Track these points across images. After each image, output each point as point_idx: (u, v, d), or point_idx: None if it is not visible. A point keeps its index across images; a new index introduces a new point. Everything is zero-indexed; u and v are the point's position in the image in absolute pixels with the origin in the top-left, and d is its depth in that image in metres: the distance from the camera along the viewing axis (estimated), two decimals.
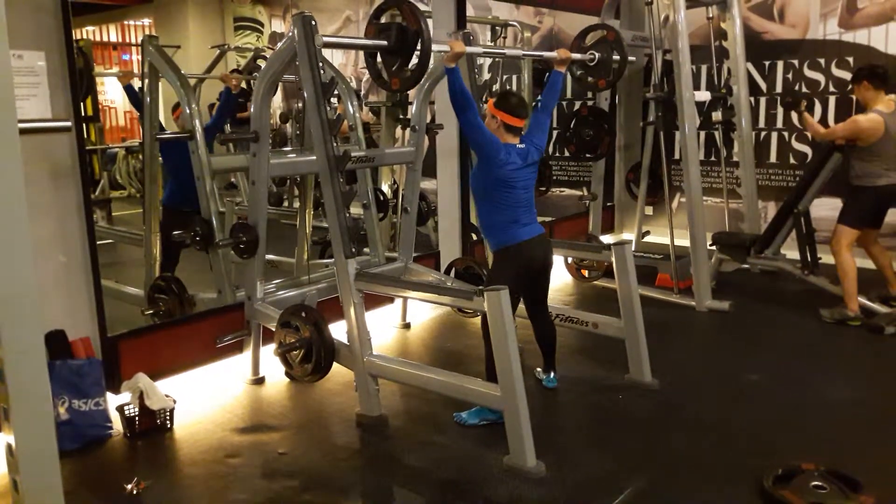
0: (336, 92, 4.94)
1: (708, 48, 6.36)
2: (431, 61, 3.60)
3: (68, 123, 3.30)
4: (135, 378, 3.56)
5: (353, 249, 3.59)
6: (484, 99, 7.25)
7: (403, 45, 3.22)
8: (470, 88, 4.48)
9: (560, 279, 6.14)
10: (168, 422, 3.61)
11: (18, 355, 2.29)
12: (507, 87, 7.51)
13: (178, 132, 4.41)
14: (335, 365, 3.64)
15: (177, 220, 4.53)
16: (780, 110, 6.58)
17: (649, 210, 7.19)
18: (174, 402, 3.63)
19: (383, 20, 3.46)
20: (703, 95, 5.96)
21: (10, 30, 2.21)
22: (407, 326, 5.15)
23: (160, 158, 4.70)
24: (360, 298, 3.58)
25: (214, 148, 4.85)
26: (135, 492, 3.03)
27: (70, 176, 3.42)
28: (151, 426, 3.55)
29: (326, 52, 6.72)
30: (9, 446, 2.36)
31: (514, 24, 6.99)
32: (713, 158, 6.93)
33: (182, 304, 4.26)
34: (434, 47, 3.35)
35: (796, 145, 6.56)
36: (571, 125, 6.55)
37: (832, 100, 6.31)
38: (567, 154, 6.95)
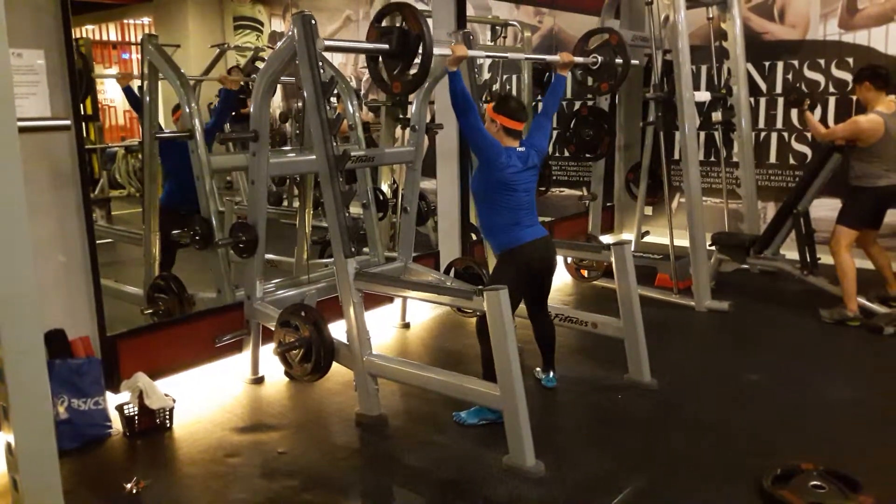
0: (336, 91, 4.95)
1: (708, 48, 6.36)
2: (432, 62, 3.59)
3: (68, 122, 3.30)
4: (134, 377, 3.56)
5: (353, 249, 3.59)
6: (484, 99, 7.27)
7: (405, 49, 3.23)
8: (470, 88, 4.48)
9: (560, 279, 6.11)
10: (167, 421, 3.61)
11: (18, 354, 2.29)
12: (507, 87, 7.51)
13: (177, 125, 4.40)
14: (335, 364, 3.64)
15: (174, 221, 4.53)
16: (780, 110, 6.58)
17: (649, 210, 7.19)
18: (173, 401, 3.63)
19: (385, 23, 3.46)
20: (703, 96, 5.96)
21: (10, 28, 2.22)
22: (406, 326, 5.15)
23: (159, 158, 4.70)
24: (359, 298, 3.58)
25: (214, 147, 4.85)
26: (134, 491, 3.03)
27: (69, 175, 3.42)
28: (151, 425, 3.55)
29: (326, 52, 6.70)
30: (8, 445, 2.36)
31: (515, 23, 6.99)
32: (713, 159, 6.94)
33: (181, 304, 4.25)
34: (436, 51, 3.35)
35: (796, 146, 6.57)
36: (571, 125, 6.55)
37: (832, 100, 6.32)
38: (567, 154, 6.95)
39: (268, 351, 3.99)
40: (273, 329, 3.79)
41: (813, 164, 5.49)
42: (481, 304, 3.14)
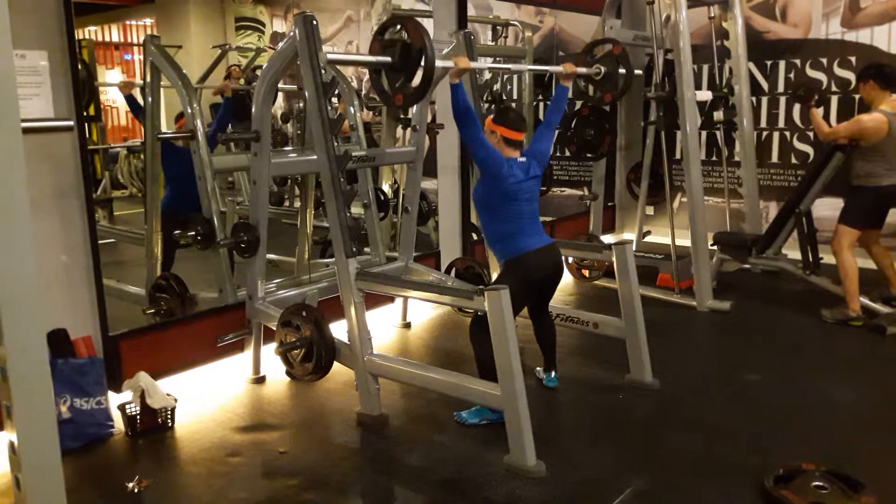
0: (337, 91, 4.95)
1: (709, 48, 6.36)
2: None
3: (70, 123, 3.31)
4: (136, 377, 3.57)
5: (354, 249, 3.60)
6: (485, 98, 7.27)
7: (407, 63, 3.25)
8: (471, 88, 4.51)
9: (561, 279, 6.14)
10: (169, 420, 3.61)
11: (21, 354, 2.29)
12: (509, 87, 7.51)
13: (180, 131, 4.41)
14: (336, 364, 3.64)
15: (175, 227, 4.57)
16: (782, 110, 6.57)
17: (650, 210, 7.19)
18: (175, 400, 3.64)
19: (388, 36, 3.47)
20: (705, 95, 5.96)
21: (13, 29, 2.22)
22: (407, 326, 5.16)
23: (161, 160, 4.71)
24: (360, 298, 3.58)
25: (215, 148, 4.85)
26: (136, 490, 3.04)
27: (72, 175, 3.43)
28: (153, 425, 3.56)
29: (328, 52, 6.68)
30: (11, 444, 2.37)
31: (516, 23, 6.99)
32: (714, 158, 6.93)
33: (183, 304, 4.26)
34: (438, 63, 3.36)
35: (798, 145, 6.56)
36: (572, 125, 6.55)
37: (834, 99, 6.31)
38: (568, 154, 6.95)
39: (269, 351, 3.99)
40: (274, 329, 3.80)
41: (815, 164, 5.48)
42: (482, 303, 3.15)
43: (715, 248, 5.85)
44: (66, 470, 2.47)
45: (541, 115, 7.60)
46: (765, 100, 6.66)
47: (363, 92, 7.49)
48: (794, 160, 6.59)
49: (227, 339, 4.08)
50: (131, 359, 3.69)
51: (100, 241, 3.61)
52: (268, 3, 7.96)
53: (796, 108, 6.50)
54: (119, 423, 3.57)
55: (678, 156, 6.47)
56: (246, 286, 4.13)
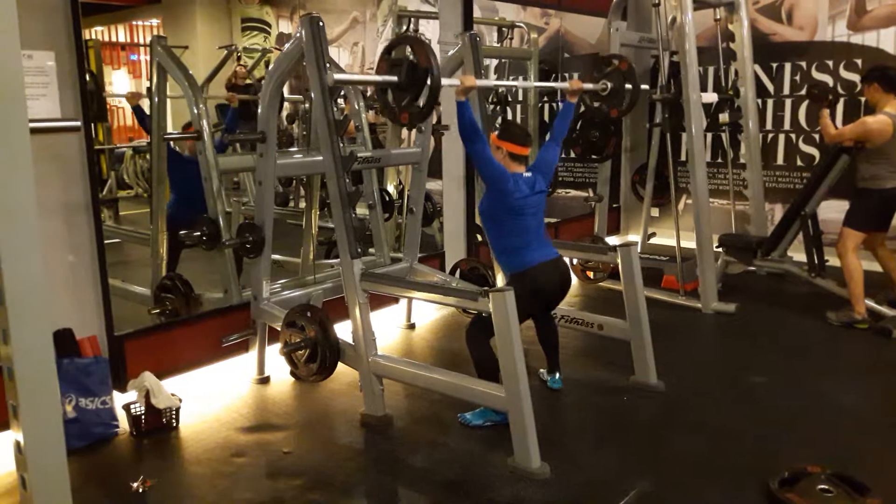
0: (342, 92, 4.96)
1: (715, 50, 6.35)
2: (438, 57, 3.60)
3: (77, 123, 3.32)
4: (141, 377, 3.57)
5: (359, 250, 3.60)
6: (491, 100, 7.26)
7: (414, 82, 3.28)
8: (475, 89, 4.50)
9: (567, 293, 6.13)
10: (174, 420, 3.62)
11: (27, 353, 2.30)
12: (514, 88, 7.50)
13: (187, 133, 4.44)
14: (340, 365, 3.65)
15: (176, 234, 4.61)
16: (787, 112, 6.56)
17: (655, 212, 7.18)
18: (180, 400, 3.65)
19: (395, 55, 3.48)
20: (710, 97, 5.95)
21: (21, 30, 2.23)
22: (412, 327, 5.16)
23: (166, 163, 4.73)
24: (365, 299, 3.59)
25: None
26: (141, 490, 3.05)
27: (79, 175, 3.44)
28: (157, 425, 3.57)
29: (333, 53, 6.74)
30: (17, 443, 2.37)
31: (521, 25, 6.99)
32: (720, 160, 6.92)
33: (188, 304, 4.27)
34: (445, 82, 3.38)
35: (803, 147, 6.55)
36: (578, 126, 6.55)
37: (840, 102, 6.28)
38: (573, 155, 6.94)
39: (274, 351, 4.00)
40: (279, 329, 3.81)
41: (821, 166, 5.47)
42: (487, 305, 3.15)
43: (720, 250, 5.84)
44: (71, 469, 2.48)
45: (545, 117, 7.60)
46: (770, 102, 6.65)
47: (368, 93, 7.50)
48: (799, 162, 6.58)
49: (232, 339, 4.08)
50: (136, 359, 3.70)
51: (105, 241, 3.62)
52: (274, 4, 7.97)
53: (802, 110, 6.49)
54: (124, 423, 3.57)
55: (683, 158, 6.47)
56: (251, 287, 4.14)
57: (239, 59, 6.38)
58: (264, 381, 4.19)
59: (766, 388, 4.03)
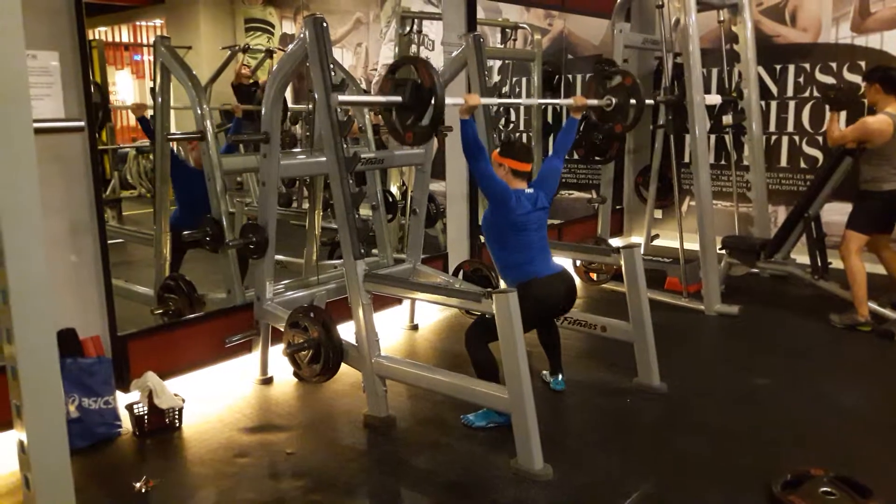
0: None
1: (719, 51, 6.34)
2: (442, 58, 3.60)
3: (81, 123, 3.31)
4: (144, 377, 3.58)
5: (362, 251, 3.60)
6: None
7: (418, 102, 3.30)
8: (480, 90, 4.51)
9: (567, 269, 6.12)
10: (177, 421, 3.62)
11: (31, 353, 2.30)
12: (517, 89, 7.51)
13: (194, 154, 4.45)
14: (343, 366, 3.65)
15: (182, 245, 4.63)
16: (791, 114, 6.55)
17: (658, 213, 7.18)
18: (183, 401, 3.65)
19: (399, 75, 3.49)
20: (714, 99, 5.95)
21: (25, 30, 2.23)
22: (415, 328, 5.16)
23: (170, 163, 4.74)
24: (368, 299, 3.59)
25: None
26: (143, 490, 3.05)
27: (82, 175, 3.45)
28: (160, 425, 3.57)
29: (337, 54, 6.74)
30: (20, 443, 2.37)
31: (525, 26, 6.99)
32: (723, 162, 6.91)
33: (191, 304, 4.27)
34: (448, 101, 3.39)
35: (807, 149, 6.54)
36: (581, 128, 6.55)
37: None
38: (576, 157, 6.94)
39: (277, 352, 4.00)
40: (282, 330, 3.81)
41: (824, 168, 5.46)
42: (490, 306, 3.15)
43: (723, 252, 5.84)
44: (74, 469, 2.47)
45: (549, 118, 7.60)
46: (774, 104, 6.64)
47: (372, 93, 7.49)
48: (802, 164, 6.57)
49: (235, 339, 4.08)
50: (139, 359, 3.70)
51: (109, 241, 3.63)
52: (277, 5, 7.98)
53: (805, 112, 6.48)
54: (127, 423, 3.58)
55: (687, 159, 6.45)
56: (254, 287, 4.14)
57: (246, 50, 6.38)
58: (267, 381, 4.19)
59: (768, 391, 4.02)
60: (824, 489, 2.85)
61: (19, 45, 2.22)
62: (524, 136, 7.50)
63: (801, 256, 5.49)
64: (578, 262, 6.18)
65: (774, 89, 6.63)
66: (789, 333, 4.98)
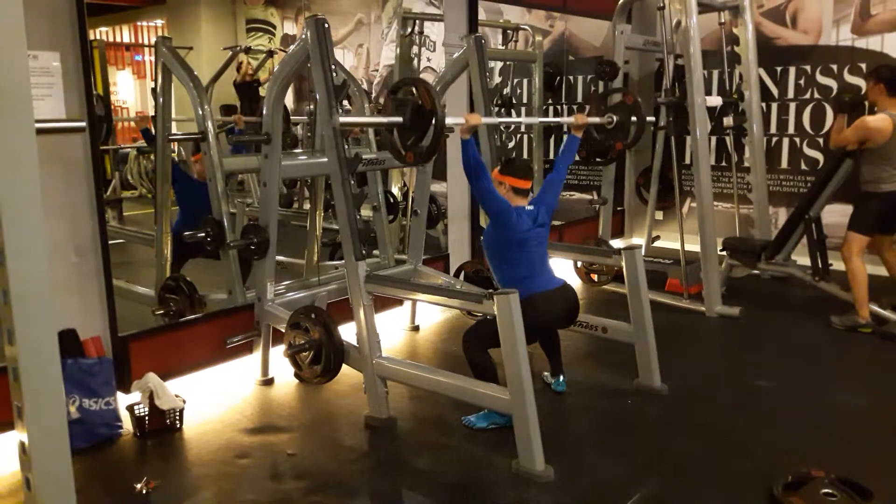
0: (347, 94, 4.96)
1: (720, 53, 6.34)
2: (443, 59, 3.60)
3: (83, 124, 3.31)
4: (145, 378, 3.57)
5: (363, 251, 3.60)
6: (496, 102, 7.26)
7: (418, 123, 3.32)
8: (481, 92, 4.51)
9: (570, 283, 6.12)
10: (178, 422, 3.62)
11: (32, 354, 2.30)
12: (518, 91, 7.51)
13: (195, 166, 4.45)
14: (344, 367, 3.65)
15: (184, 251, 4.66)
16: (791, 115, 6.55)
17: (659, 215, 7.18)
18: (184, 402, 3.64)
19: (400, 95, 3.50)
20: (715, 100, 5.94)
21: (27, 30, 2.23)
22: (416, 329, 5.16)
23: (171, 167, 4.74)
24: (369, 300, 3.59)
25: (222, 148, 4.87)
26: (144, 491, 3.05)
27: (83, 176, 3.45)
28: (161, 426, 3.57)
29: (338, 55, 6.74)
30: (21, 444, 2.37)
31: (526, 27, 6.99)
32: (724, 164, 6.91)
33: (192, 305, 4.27)
34: (449, 120, 3.40)
35: (808, 151, 6.53)
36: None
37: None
38: (578, 158, 6.94)
39: (278, 353, 4.00)
40: (283, 331, 3.81)
41: (825, 170, 5.46)
42: (491, 307, 3.15)
43: (724, 253, 5.84)
44: (75, 470, 2.48)
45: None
46: (775, 106, 6.63)
47: (373, 95, 7.50)
48: (803, 166, 6.56)
49: (236, 340, 4.08)
50: (140, 359, 3.70)
51: (109, 242, 3.63)
52: (279, 6, 7.98)
53: (806, 113, 6.48)
54: (128, 424, 3.57)
55: (688, 161, 6.45)
56: (255, 288, 4.14)
57: (248, 51, 6.38)
58: (268, 382, 4.19)
59: (769, 392, 4.02)
60: (825, 491, 2.85)
61: (21, 45, 2.22)
62: (525, 137, 7.50)
63: (801, 258, 5.49)
64: (579, 264, 6.18)
65: (775, 91, 6.63)
66: (790, 335, 4.98)
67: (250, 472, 3.23)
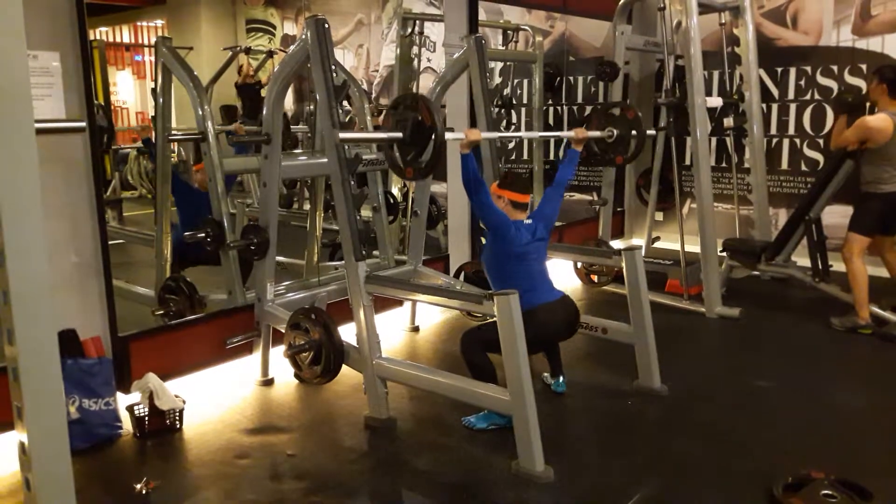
0: (347, 94, 4.96)
1: (720, 54, 6.34)
2: (443, 59, 3.60)
3: (82, 124, 3.31)
4: (145, 378, 3.57)
5: (363, 252, 3.60)
6: (496, 103, 7.26)
7: (418, 139, 3.33)
8: (481, 93, 4.51)
9: (569, 284, 6.13)
10: (177, 422, 3.62)
11: (32, 353, 2.30)
12: (518, 91, 7.51)
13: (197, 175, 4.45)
14: (344, 367, 3.65)
15: (184, 259, 4.66)
16: (792, 116, 6.55)
17: (659, 216, 7.18)
18: (184, 402, 3.64)
19: (401, 111, 3.51)
20: (715, 101, 5.94)
21: (27, 30, 2.23)
22: (416, 329, 5.16)
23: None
24: (369, 301, 3.59)
25: (223, 149, 4.88)
26: (144, 491, 3.04)
27: (83, 176, 3.44)
28: (161, 426, 3.56)
29: (339, 55, 6.74)
30: (21, 444, 2.37)
31: (526, 28, 6.99)
32: (724, 165, 6.91)
33: (192, 305, 4.27)
34: (448, 136, 3.41)
35: (808, 152, 6.53)
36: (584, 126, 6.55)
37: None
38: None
39: (278, 353, 4.00)
40: (283, 331, 3.80)
41: (826, 171, 5.46)
42: (491, 308, 3.15)
43: (724, 254, 5.84)
44: (74, 470, 2.47)
45: (551, 120, 7.60)
46: (775, 106, 6.63)
47: (373, 95, 7.51)
48: (803, 167, 6.56)
49: (236, 341, 4.08)
50: (140, 360, 3.70)
51: (109, 242, 3.63)
52: (279, 6, 7.99)
53: (806, 114, 6.48)
54: (127, 424, 3.57)
55: (688, 162, 6.45)
56: (255, 288, 4.14)
57: (248, 51, 6.38)
58: (268, 383, 4.19)
59: (769, 393, 4.02)
60: (825, 492, 2.85)
61: (21, 45, 2.22)
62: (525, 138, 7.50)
63: (801, 259, 5.49)
64: (579, 264, 6.18)
65: (776, 92, 6.63)
66: (790, 336, 4.97)
67: (250, 473, 3.22)
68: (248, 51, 6.88)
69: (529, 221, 3.73)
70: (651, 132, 4.46)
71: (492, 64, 7.38)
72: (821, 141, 6.39)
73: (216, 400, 3.96)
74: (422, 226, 4.82)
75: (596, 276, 6.12)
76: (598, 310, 5.36)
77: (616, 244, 6.77)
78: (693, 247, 5.61)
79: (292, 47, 3.79)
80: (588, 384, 4.14)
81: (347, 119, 5.43)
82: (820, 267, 5.26)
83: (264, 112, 3.94)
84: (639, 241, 7.14)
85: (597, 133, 4.29)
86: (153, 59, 4.67)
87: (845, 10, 6.23)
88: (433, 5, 6.69)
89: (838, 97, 5.88)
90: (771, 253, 5.62)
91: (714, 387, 4.15)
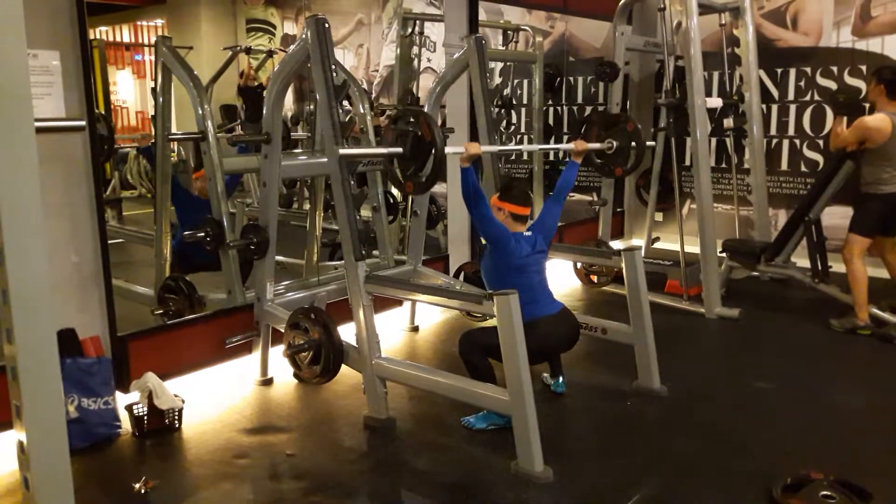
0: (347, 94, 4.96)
1: (720, 55, 6.34)
2: (443, 59, 3.60)
3: (82, 123, 3.31)
4: (144, 377, 3.57)
5: (363, 252, 3.60)
6: (496, 103, 7.26)
7: (418, 154, 3.34)
8: (481, 93, 4.51)
9: (569, 284, 6.14)
10: (176, 422, 3.62)
11: (31, 353, 2.30)
12: (518, 91, 7.51)
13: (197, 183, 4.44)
14: (344, 367, 3.64)
15: (185, 265, 4.67)
16: (791, 117, 6.55)
17: (659, 216, 7.18)
18: (183, 401, 3.64)
19: (401, 126, 3.51)
20: (715, 102, 5.94)
21: (27, 29, 2.22)
22: (415, 329, 5.15)
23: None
24: (369, 301, 3.58)
25: (223, 149, 4.87)
26: (143, 491, 3.04)
27: (83, 175, 3.44)
28: (160, 426, 3.56)
29: (339, 55, 6.74)
30: (20, 443, 2.37)
31: (526, 28, 7.00)
32: (724, 165, 6.92)
33: (192, 305, 4.27)
34: (448, 150, 3.41)
35: (807, 153, 6.54)
36: (582, 130, 6.54)
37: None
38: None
39: (277, 353, 3.99)
40: (283, 331, 3.80)
41: (825, 172, 5.46)
42: (491, 308, 3.15)
43: (724, 255, 5.84)
44: (73, 470, 2.47)
45: (551, 120, 7.59)
46: (775, 107, 6.64)
47: (373, 94, 7.50)
48: (803, 168, 6.57)
49: (236, 340, 4.08)
50: (139, 359, 3.69)
51: (109, 241, 3.63)
52: (279, 6, 7.98)
53: (806, 115, 6.48)
54: (126, 424, 3.57)
55: (688, 162, 6.45)
56: (255, 288, 4.14)
57: (248, 51, 6.37)
58: (267, 382, 4.19)
59: (769, 394, 4.02)
60: (824, 493, 2.85)
61: (21, 44, 2.21)
62: (525, 138, 7.50)
63: (801, 260, 5.49)
64: (579, 265, 6.18)
65: (775, 93, 6.63)
66: (789, 337, 4.97)
67: (249, 473, 3.22)
68: (248, 50, 6.87)
69: (529, 233, 3.74)
70: (651, 143, 4.47)
71: (492, 64, 7.38)
72: (820, 142, 6.40)
73: (215, 399, 3.96)
74: (421, 226, 4.82)
75: (596, 277, 6.12)
76: (598, 310, 5.36)
77: (616, 245, 6.77)
78: (693, 247, 5.61)
79: (292, 47, 3.79)
80: (588, 384, 4.14)
81: (347, 119, 5.42)
82: (819, 268, 5.27)
83: (264, 111, 3.93)
84: (638, 241, 7.14)
85: (596, 145, 4.29)
86: (153, 58, 4.66)
87: (845, 12, 6.24)
88: (433, 5, 6.69)
89: (831, 97, 5.88)
90: (770, 254, 5.63)
91: (714, 387, 4.15)
